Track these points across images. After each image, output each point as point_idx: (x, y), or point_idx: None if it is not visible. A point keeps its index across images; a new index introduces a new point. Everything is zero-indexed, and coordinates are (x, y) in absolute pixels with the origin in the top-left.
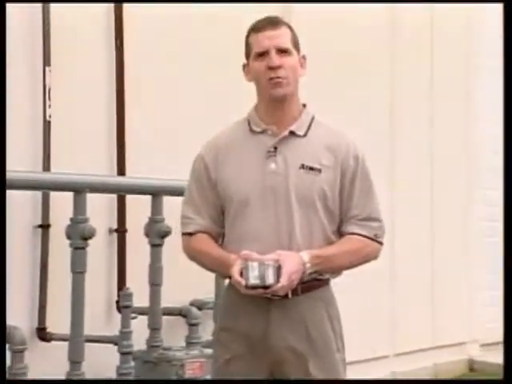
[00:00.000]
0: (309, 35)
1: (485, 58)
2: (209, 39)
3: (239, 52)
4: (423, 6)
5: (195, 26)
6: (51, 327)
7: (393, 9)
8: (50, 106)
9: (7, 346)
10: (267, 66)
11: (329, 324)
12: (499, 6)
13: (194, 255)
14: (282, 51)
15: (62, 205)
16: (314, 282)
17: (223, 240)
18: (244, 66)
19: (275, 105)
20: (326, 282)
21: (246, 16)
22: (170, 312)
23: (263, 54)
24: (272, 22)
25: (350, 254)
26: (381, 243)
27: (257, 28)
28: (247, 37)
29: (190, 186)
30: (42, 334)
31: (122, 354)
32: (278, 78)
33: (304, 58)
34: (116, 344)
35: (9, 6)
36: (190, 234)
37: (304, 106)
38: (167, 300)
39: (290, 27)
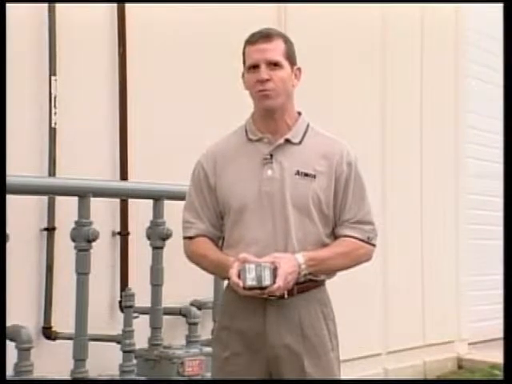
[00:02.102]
0: (302, 39)
1: (474, 67)
2: (210, 46)
3: (240, 59)
4: (414, 11)
5: (197, 33)
6: (56, 326)
7: (384, 16)
8: (55, 114)
9: (14, 344)
10: (257, 79)
11: (324, 324)
12: (487, 12)
13: (195, 258)
14: (273, 64)
15: (66, 209)
16: (309, 283)
17: (223, 243)
18: (243, 75)
19: (267, 115)
20: (322, 283)
21: (246, 23)
22: (170, 312)
23: (254, 67)
24: (265, 35)
25: (343, 255)
26: (373, 245)
27: (250, 41)
28: (244, 48)
29: (191, 193)
30: (48, 333)
31: (125, 352)
32: (266, 90)
33: (299, 70)
34: (119, 342)
35: (16, 18)
36: (191, 238)
37: (299, 113)
38: (168, 300)
39: (284, 40)
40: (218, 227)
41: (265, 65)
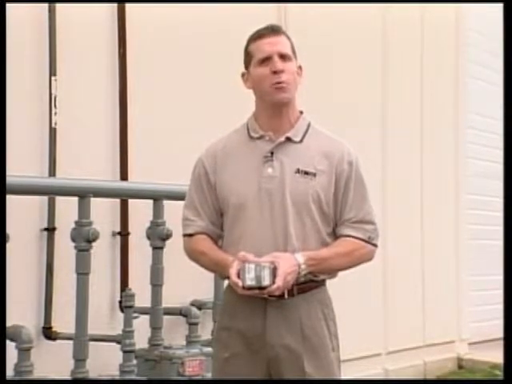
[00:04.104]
0: (302, 39)
1: (474, 67)
2: (211, 46)
3: (240, 59)
4: (414, 11)
5: (197, 33)
6: (57, 326)
7: (384, 16)
8: (55, 114)
9: (14, 344)
10: (271, 71)
11: (324, 324)
12: (487, 12)
13: (194, 255)
14: (284, 57)
15: (66, 209)
16: (309, 283)
17: (223, 242)
18: (243, 75)
19: (275, 111)
20: (322, 283)
21: (246, 23)
22: (170, 312)
23: (266, 60)
24: (273, 29)
25: (343, 255)
26: (375, 245)
27: (258, 35)
28: (247, 46)
29: (191, 190)
30: (48, 333)
31: (125, 352)
32: (282, 82)
33: (301, 68)
34: (119, 343)
35: (16, 18)
36: (190, 236)
37: (301, 112)
38: (168, 300)
39: (287, 36)
40: (217, 225)
41: (277, 56)
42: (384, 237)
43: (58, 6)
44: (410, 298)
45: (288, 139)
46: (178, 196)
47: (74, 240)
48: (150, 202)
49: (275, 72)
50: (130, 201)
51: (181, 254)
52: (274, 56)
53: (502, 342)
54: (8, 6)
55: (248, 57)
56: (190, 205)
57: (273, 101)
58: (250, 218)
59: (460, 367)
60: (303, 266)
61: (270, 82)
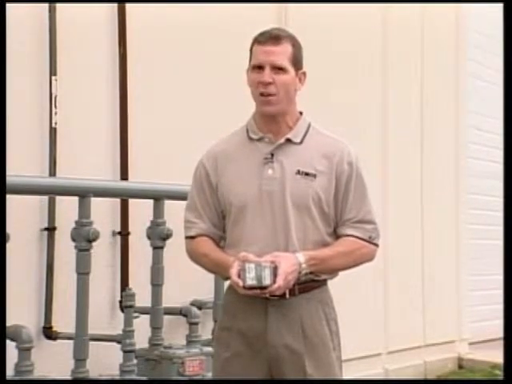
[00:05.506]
0: (302, 39)
1: (475, 67)
2: (211, 46)
3: (241, 60)
4: (414, 11)
5: (197, 33)
6: (57, 326)
7: (384, 16)
8: (56, 114)
9: (14, 344)
10: (259, 81)
11: (325, 324)
12: (487, 12)
13: (196, 257)
14: (277, 68)
15: (67, 209)
16: (311, 283)
17: (225, 243)
18: (248, 71)
19: (268, 118)
20: (323, 283)
21: (246, 23)
22: (171, 311)
23: (259, 68)
24: (274, 37)
25: (344, 255)
26: (376, 245)
27: (259, 40)
28: (252, 45)
29: (192, 192)
30: (48, 333)
31: (125, 352)
32: (269, 95)
33: (304, 74)
34: (119, 342)
35: (16, 18)
36: (192, 238)
37: (301, 113)
38: (168, 300)
39: (293, 43)
40: (219, 227)
41: (269, 67)
42: (384, 237)
43: (59, 5)
44: (410, 297)
45: (288, 140)
46: (178, 196)
47: (74, 240)
48: (151, 201)
49: (262, 83)
50: (131, 200)
51: (181, 254)
52: (265, 66)
53: (502, 342)
54: (8, 5)
55: (250, 56)
56: (192, 207)
57: (260, 111)
58: (251, 219)
59: (460, 367)
60: (304, 266)
61: (257, 91)
